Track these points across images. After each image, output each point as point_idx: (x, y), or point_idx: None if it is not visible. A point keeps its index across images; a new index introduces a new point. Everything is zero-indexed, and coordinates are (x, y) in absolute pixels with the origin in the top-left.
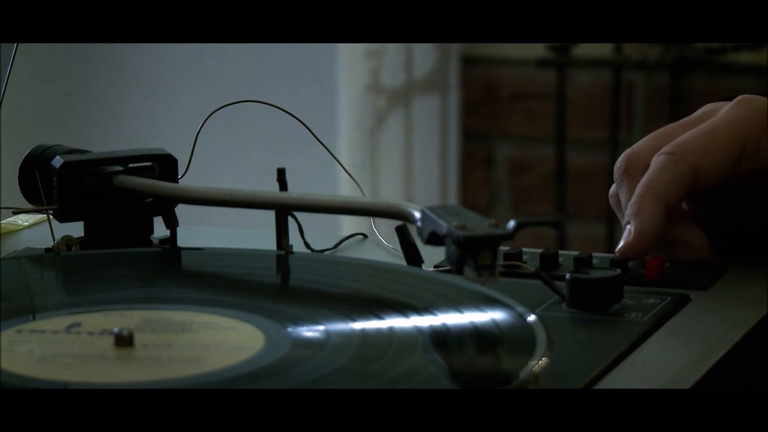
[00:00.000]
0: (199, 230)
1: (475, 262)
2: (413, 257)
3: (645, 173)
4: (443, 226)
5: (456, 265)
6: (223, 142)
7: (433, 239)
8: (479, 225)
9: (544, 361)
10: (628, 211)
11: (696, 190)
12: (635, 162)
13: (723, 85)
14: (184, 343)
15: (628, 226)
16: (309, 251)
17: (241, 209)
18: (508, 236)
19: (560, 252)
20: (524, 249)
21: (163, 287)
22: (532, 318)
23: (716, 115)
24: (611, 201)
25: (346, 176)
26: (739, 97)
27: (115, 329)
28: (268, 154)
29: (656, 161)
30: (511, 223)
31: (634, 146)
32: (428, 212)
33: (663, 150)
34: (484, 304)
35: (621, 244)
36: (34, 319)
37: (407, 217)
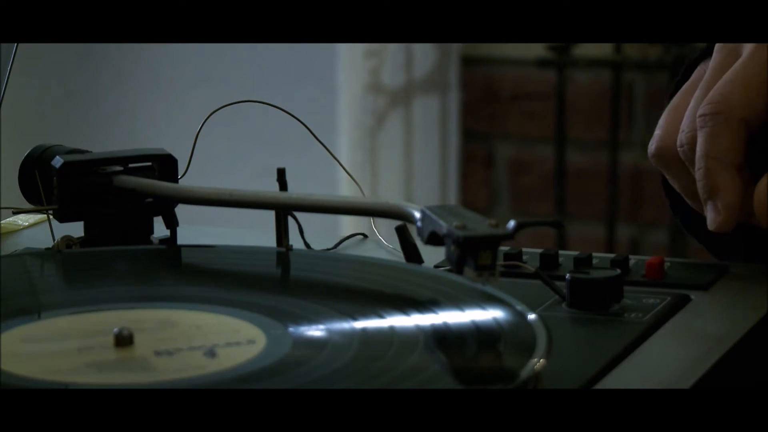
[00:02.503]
0: (199, 230)
1: (475, 262)
2: (413, 257)
3: (689, 151)
4: (443, 226)
5: (456, 265)
6: (223, 142)
7: (433, 239)
8: (479, 225)
9: (544, 360)
10: (702, 189)
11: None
12: (670, 152)
13: None
14: (184, 343)
15: (710, 203)
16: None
17: (241, 209)
18: (508, 236)
19: (560, 252)
20: (524, 249)
21: (163, 286)
22: (532, 318)
23: (739, 59)
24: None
25: (346, 176)
26: (749, 45)
27: (115, 329)
28: (268, 154)
29: (704, 125)
30: (511, 223)
31: (662, 135)
32: (428, 212)
33: (706, 110)
34: (484, 303)
35: (710, 220)
36: (35, 318)
37: (407, 217)
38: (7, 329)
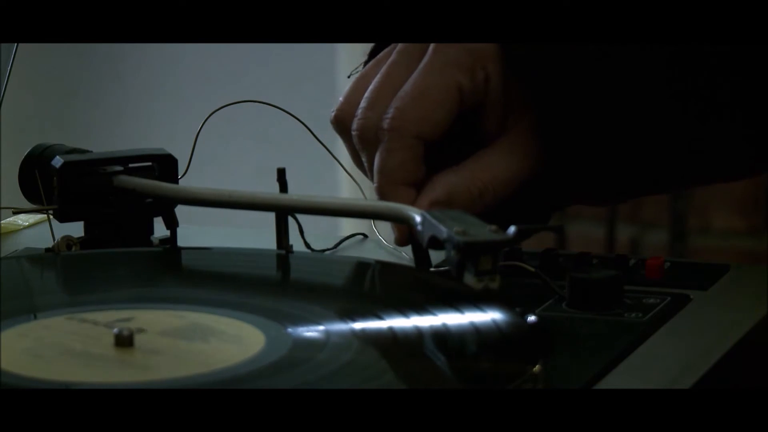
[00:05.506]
0: (199, 230)
1: (476, 267)
2: (422, 260)
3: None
4: (443, 230)
5: (456, 270)
6: (223, 142)
7: (434, 244)
8: (480, 230)
9: (543, 361)
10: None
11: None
12: (347, 124)
13: None
14: (184, 343)
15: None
16: (309, 251)
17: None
18: (509, 242)
19: (560, 252)
20: (524, 249)
21: (163, 287)
22: (532, 318)
23: (421, 62)
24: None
25: (346, 177)
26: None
27: (115, 329)
28: (268, 154)
29: (382, 139)
30: (512, 229)
31: (343, 104)
32: (429, 216)
33: (384, 125)
34: (484, 304)
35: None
36: (35, 318)
37: (408, 221)
38: (7, 329)
